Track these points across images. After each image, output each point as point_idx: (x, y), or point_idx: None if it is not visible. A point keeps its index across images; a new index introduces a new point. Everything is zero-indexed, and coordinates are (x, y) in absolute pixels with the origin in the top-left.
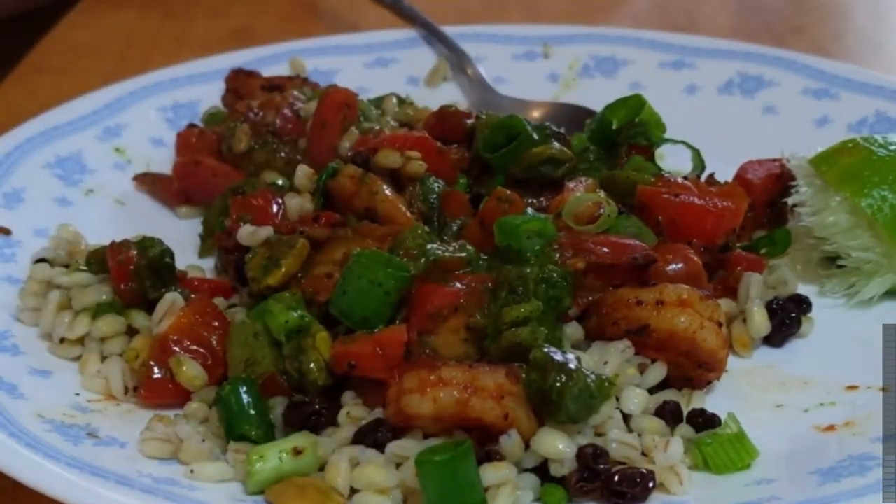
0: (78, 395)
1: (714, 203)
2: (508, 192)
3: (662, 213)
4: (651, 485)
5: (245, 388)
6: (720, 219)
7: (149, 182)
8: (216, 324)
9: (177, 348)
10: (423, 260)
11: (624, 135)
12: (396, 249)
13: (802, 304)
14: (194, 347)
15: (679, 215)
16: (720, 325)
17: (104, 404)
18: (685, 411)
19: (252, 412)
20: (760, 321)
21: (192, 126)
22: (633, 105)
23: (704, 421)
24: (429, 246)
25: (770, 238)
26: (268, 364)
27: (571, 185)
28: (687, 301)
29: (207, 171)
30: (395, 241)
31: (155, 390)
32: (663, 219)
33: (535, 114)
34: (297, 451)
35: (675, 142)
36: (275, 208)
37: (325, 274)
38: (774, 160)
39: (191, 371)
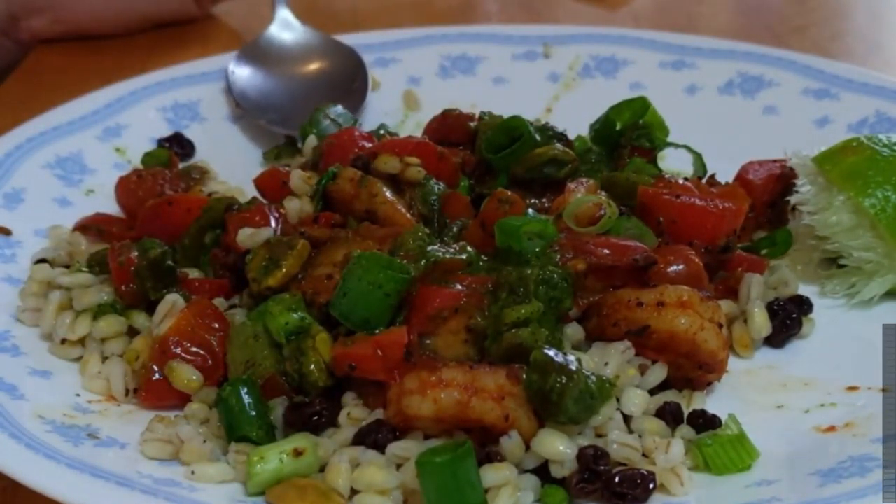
0: (78, 395)
1: (715, 204)
2: (509, 192)
3: (663, 214)
4: (651, 486)
5: (246, 389)
6: (721, 220)
7: (94, 233)
8: (216, 325)
9: (177, 350)
10: (423, 262)
11: (627, 136)
12: (397, 251)
13: (803, 305)
14: (194, 349)
15: (680, 216)
16: (721, 326)
17: (105, 405)
18: (685, 412)
19: (253, 413)
20: (761, 322)
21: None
22: (638, 107)
23: (705, 422)
24: (429, 247)
25: (771, 239)
26: (268, 365)
27: (573, 185)
28: (687, 302)
29: (182, 207)
30: (395, 242)
31: (154, 392)
32: (664, 220)
33: None
34: (297, 453)
35: (677, 145)
36: (273, 222)
37: (325, 275)
38: (775, 161)
39: (185, 375)
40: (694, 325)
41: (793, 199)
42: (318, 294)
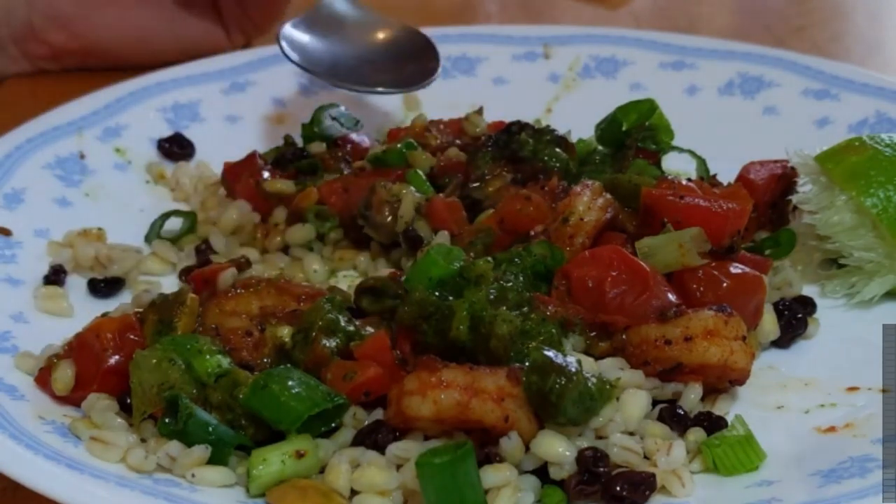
0: None
1: (719, 205)
2: (529, 192)
3: (667, 216)
4: (652, 488)
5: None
6: (725, 220)
7: None
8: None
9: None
10: (336, 341)
11: (633, 138)
12: (308, 330)
13: (808, 306)
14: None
15: (684, 217)
16: (744, 338)
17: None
18: (693, 413)
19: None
20: (770, 328)
21: None
22: (645, 109)
23: (710, 423)
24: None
25: (775, 239)
26: (188, 391)
27: (578, 188)
28: (714, 330)
29: None
30: (304, 320)
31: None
32: (668, 221)
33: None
34: (299, 454)
35: (681, 150)
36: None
37: (243, 331)
38: (776, 161)
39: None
40: (724, 352)
41: (794, 198)
42: (236, 351)
